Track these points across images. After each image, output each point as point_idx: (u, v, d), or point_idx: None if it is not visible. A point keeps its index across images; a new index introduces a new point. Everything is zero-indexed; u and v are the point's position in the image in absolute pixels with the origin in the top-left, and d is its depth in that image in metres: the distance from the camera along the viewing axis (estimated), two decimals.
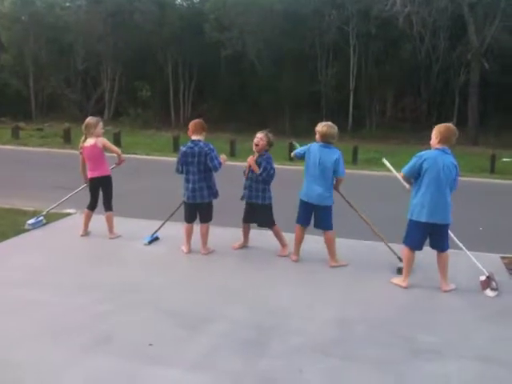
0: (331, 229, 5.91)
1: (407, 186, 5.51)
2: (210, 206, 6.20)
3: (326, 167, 5.74)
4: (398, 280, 5.43)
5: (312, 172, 5.82)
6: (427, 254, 5.46)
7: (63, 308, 4.61)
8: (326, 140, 5.81)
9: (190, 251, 6.23)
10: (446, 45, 27.43)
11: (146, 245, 6.48)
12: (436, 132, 5.25)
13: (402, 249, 5.52)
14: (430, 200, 5.13)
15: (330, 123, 5.96)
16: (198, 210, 6.20)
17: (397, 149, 21.04)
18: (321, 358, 3.90)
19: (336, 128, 5.92)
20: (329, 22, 27.10)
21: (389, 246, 6.07)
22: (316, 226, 5.98)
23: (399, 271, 5.61)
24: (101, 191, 6.76)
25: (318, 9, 26.85)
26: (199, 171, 6.02)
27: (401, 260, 5.73)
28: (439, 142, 5.21)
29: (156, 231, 6.71)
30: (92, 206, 6.79)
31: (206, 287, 5.25)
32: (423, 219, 5.17)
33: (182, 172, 6.15)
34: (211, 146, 6.09)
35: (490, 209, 9.79)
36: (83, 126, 6.69)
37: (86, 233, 6.85)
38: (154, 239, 6.65)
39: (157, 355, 3.85)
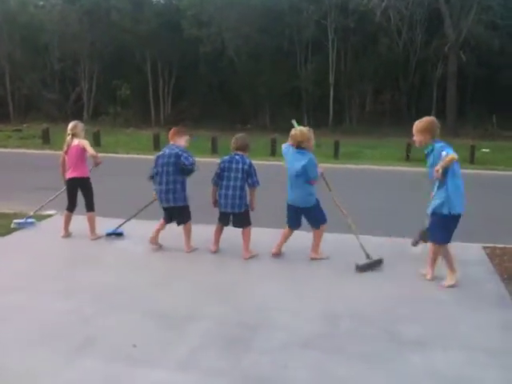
0: (324, 222, 5.94)
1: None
2: (183, 209, 6.12)
3: (299, 172, 5.74)
4: (449, 281, 5.22)
5: (290, 176, 5.85)
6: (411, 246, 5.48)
7: (46, 312, 4.53)
8: (298, 145, 5.79)
9: (155, 245, 6.24)
10: (423, 38, 27.66)
11: (106, 236, 6.60)
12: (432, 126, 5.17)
13: (434, 247, 5.28)
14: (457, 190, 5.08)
15: (302, 128, 5.91)
16: (172, 214, 6.16)
17: (378, 142, 21.20)
18: (307, 353, 3.89)
19: (306, 131, 5.84)
20: (307, 17, 27.12)
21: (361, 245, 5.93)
22: (311, 225, 6.00)
23: (359, 269, 5.59)
24: (81, 193, 6.70)
25: (295, 4, 26.85)
26: (168, 173, 5.97)
27: (368, 257, 5.72)
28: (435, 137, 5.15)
29: (119, 226, 6.77)
30: (71, 208, 6.72)
31: (188, 286, 5.20)
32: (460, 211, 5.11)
33: (152, 177, 6.14)
34: (184, 149, 6.06)
35: (471, 199, 9.86)
36: (72, 126, 6.63)
37: (68, 234, 6.77)
38: (117, 234, 6.70)
39: (142, 357, 3.81)
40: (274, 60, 27.82)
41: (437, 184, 5.07)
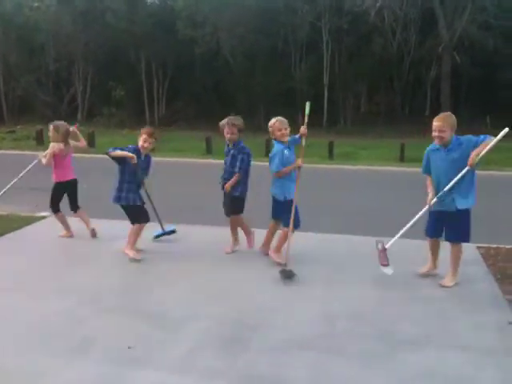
0: (287, 226, 5.71)
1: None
2: (124, 208, 6.03)
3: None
4: (449, 282, 5.22)
5: None
6: (410, 245, 5.50)
7: (42, 313, 4.52)
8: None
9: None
10: (417, 38, 27.73)
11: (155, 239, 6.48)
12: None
13: (457, 248, 5.22)
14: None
15: (272, 120, 5.81)
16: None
17: (372, 143, 21.24)
18: (305, 353, 3.90)
19: (272, 121, 5.76)
20: (301, 17, 27.16)
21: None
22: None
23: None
24: (67, 194, 6.76)
25: (290, 4, 26.88)
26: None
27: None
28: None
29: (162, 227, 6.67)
30: (58, 208, 6.75)
31: (185, 287, 5.20)
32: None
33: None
34: (129, 146, 6.04)
35: None
36: (67, 129, 6.73)
37: (71, 233, 6.79)
38: (168, 233, 6.63)
39: (140, 358, 3.80)
40: (269, 60, 27.85)
41: (456, 178, 4.94)
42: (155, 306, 4.72)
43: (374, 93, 29.69)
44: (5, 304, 4.72)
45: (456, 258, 5.23)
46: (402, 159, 16.61)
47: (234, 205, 6.06)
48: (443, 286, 5.18)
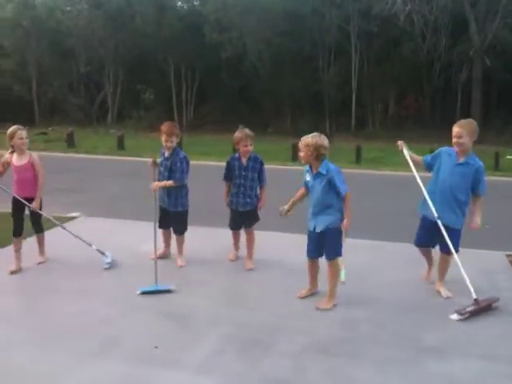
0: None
1: None
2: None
3: None
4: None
5: None
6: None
7: (66, 313, 4.59)
8: None
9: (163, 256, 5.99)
10: (447, 42, 27.38)
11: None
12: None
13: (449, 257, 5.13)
14: None
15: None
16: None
17: None
18: (326, 358, 3.88)
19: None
20: (329, 21, 27.08)
21: None
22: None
23: None
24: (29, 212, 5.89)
25: (317, 8, 26.83)
26: None
27: None
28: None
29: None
30: (21, 232, 5.80)
31: (208, 290, 5.20)
32: None
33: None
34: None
35: (494, 206, 9.72)
36: (25, 135, 5.72)
37: (20, 268, 5.62)
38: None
39: (162, 358, 3.84)
40: (296, 64, 27.85)
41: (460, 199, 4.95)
42: (177, 309, 4.74)
43: (404, 97, 29.40)
44: (30, 304, 4.81)
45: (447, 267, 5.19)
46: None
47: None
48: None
